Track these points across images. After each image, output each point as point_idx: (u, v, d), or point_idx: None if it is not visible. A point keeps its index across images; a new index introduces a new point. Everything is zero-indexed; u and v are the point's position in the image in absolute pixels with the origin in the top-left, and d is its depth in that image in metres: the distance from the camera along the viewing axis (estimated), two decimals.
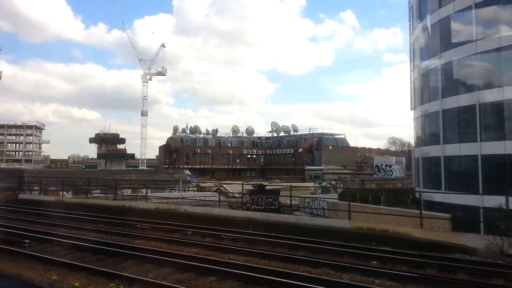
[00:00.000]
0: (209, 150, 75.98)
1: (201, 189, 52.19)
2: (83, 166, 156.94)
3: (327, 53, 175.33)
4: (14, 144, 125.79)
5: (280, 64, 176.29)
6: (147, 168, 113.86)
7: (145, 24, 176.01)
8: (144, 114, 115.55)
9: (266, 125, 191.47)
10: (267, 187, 44.83)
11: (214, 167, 75.36)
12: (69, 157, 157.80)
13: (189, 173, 57.47)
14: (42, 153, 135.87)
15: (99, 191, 47.05)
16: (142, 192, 48.54)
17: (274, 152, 79.94)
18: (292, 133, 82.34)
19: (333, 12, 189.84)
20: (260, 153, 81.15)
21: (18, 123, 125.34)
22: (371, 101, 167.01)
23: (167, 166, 71.74)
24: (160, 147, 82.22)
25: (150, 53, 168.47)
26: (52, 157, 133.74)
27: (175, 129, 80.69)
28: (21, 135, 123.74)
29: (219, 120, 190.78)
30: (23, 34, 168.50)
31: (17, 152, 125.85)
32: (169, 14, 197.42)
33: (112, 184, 48.78)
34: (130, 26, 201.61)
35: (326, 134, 74.82)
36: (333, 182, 42.42)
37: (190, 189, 51.83)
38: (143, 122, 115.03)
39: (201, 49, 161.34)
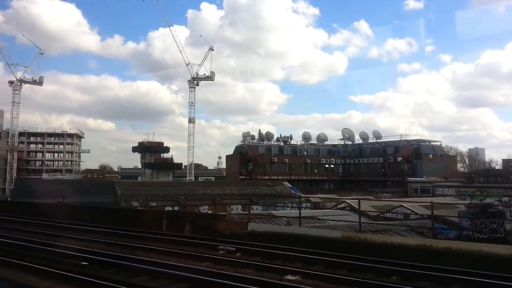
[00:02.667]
0: (286, 159, 67.99)
1: (315, 206, 44.17)
2: (119, 177, 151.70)
3: (341, 63, 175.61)
4: (52, 154, 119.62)
5: (293, 74, 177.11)
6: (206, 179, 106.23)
7: (160, 36, 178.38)
8: (191, 121, 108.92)
9: (277, 135, 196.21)
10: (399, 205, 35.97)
11: (291, 178, 67.18)
12: (105, 167, 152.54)
13: (289, 185, 49.45)
14: (81, 163, 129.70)
15: (206, 207, 39.39)
16: (252, 209, 40.50)
17: (355, 162, 71.55)
18: (370, 140, 74.06)
19: (347, 22, 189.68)
20: (338, 162, 72.83)
21: (58, 131, 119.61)
22: (384, 111, 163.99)
23: (243, 176, 63.90)
24: (228, 156, 74.60)
25: (165, 64, 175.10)
26: None
27: (245, 136, 73.10)
28: (61, 144, 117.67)
29: (232, 131, 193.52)
30: (40, 46, 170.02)
31: (56, 162, 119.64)
32: (183, 26, 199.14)
33: (217, 198, 41.11)
34: (145, 38, 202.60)
35: (424, 141, 66.11)
36: (505, 198, 33.87)
37: (303, 206, 43.82)
38: (190, 130, 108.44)
39: (214, 60, 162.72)
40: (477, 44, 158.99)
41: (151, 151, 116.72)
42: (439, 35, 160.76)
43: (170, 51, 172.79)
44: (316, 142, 75.31)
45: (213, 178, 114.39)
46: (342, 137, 78.35)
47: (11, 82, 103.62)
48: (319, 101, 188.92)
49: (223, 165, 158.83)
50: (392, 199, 39.69)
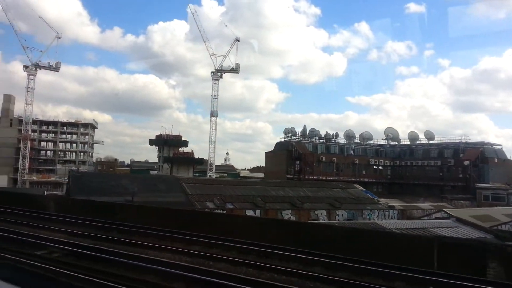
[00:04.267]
0: (334, 159, 62.91)
1: (402, 214, 39.11)
2: (129, 170, 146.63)
3: (340, 64, 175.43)
4: (65, 144, 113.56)
5: (292, 73, 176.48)
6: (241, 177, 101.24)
7: (159, 30, 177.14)
8: (214, 114, 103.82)
9: (274, 133, 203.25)
10: None
11: (340, 178, 62.18)
12: (115, 159, 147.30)
13: (361, 187, 44.40)
14: (94, 154, 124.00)
15: (289, 211, 34.23)
16: (338, 216, 35.34)
17: (406, 164, 66.63)
18: (421, 141, 69.19)
19: (347, 23, 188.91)
20: (387, 164, 67.84)
21: (71, 121, 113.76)
22: (381, 113, 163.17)
23: (291, 176, 58.78)
24: (268, 153, 69.33)
25: (164, 58, 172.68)
26: None
27: (287, 132, 67.94)
28: (75, 133, 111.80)
29: (228, 127, 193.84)
30: (39, 35, 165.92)
31: (69, 152, 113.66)
32: (183, 20, 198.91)
33: (295, 201, 35.95)
34: (144, 31, 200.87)
35: (486, 143, 61.18)
36: None
37: (390, 213, 38.77)
38: (213, 124, 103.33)
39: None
40: (476, 50, 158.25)
41: (169, 145, 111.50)
42: (438, 39, 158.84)
43: (169, 45, 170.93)
44: (359, 141, 70.38)
45: (225, 174, 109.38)
46: (385, 136, 73.29)
47: (25, 67, 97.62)
48: (317, 100, 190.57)
49: (230, 162, 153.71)
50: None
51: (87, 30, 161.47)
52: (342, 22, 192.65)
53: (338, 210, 34.91)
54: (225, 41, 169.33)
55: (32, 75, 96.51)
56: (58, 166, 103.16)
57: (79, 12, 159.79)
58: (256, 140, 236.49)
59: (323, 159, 61.66)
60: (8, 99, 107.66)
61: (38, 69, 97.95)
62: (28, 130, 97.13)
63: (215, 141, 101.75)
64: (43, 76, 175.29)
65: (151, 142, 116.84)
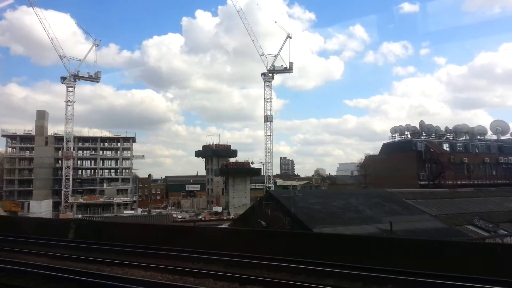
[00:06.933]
0: (466, 159, 53.17)
1: None
2: (164, 185, 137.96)
3: (337, 67, 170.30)
4: (103, 161, 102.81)
5: (289, 79, 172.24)
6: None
7: (154, 44, 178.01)
8: (269, 119, 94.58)
9: (274, 141, 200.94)
10: None
11: (473, 182, 52.49)
12: (149, 175, 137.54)
13: None
14: (133, 170, 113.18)
15: None
16: None
17: None
18: None
19: (342, 26, 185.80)
20: None
21: (111, 135, 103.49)
22: (380, 115, 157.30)
23: (424, 182, 48.91)
24: (371, 157, 59.44)
25: (160, 72, 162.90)
26: None
27: (394, 131, 58.23)
28: (116, 149, 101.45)
29: (228, 137, 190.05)
30: (35, 56, 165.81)
31: (109, 170, 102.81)
32: (178, 33, 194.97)
33: None
34: (139, 47, 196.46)
35: None
36: None
37: None
38: (267, 130, 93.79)
39: (210, 66, 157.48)
40: (471, 46, 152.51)
41: (219, 156, 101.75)
42: (433, 38, 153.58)
43: (165, 59, 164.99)
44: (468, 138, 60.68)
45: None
46: (494, 130, 63.62)
47: (63, 78, 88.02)
48: (315, 106, 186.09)
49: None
50: None
51: (82, 48, 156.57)
52: (337, 25, 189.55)
53: None
54: (221, 51, 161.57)
55: (71, 86, 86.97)
56: (105, 186, 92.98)
57: (74, 31, 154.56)
58: (256, 148, 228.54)
59: (454, 160, 51.90)
60: (42, 115, 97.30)
61: (77, 80, 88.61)
62: (70, 148, 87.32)
63: (271, 149, 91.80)
64: (39, 97, 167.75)
65: (197, 153, 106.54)
